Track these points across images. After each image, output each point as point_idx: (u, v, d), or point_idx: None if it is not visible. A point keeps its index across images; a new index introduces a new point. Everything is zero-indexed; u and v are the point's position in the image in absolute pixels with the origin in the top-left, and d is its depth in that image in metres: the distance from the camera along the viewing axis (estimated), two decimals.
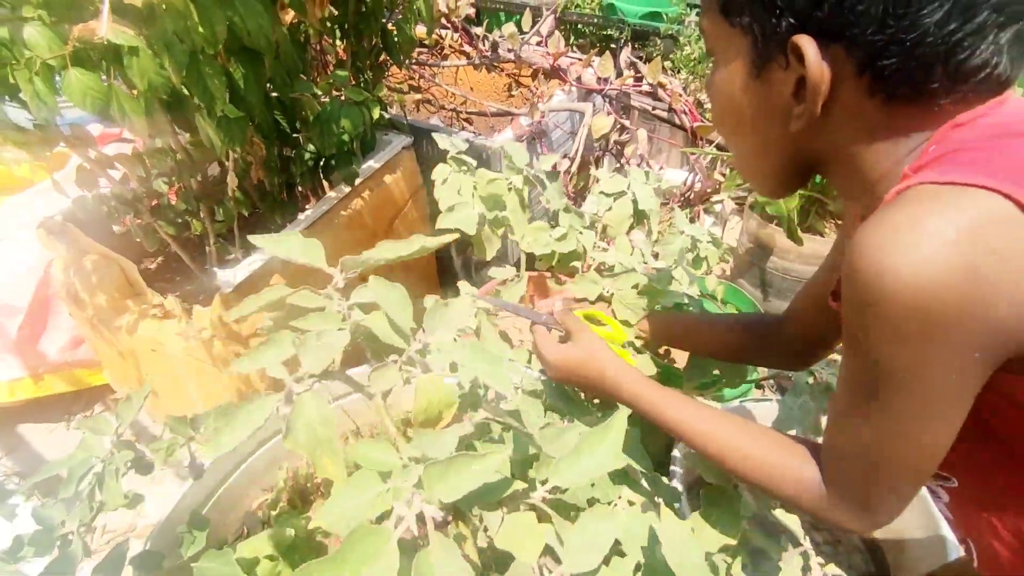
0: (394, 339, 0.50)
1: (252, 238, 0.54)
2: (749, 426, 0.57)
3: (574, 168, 1.72)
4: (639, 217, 1.07)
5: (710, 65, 0.51)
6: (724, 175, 1.88)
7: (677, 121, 1.92)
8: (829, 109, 0.42)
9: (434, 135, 1.01)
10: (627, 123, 1.92)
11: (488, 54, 1.92)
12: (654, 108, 1.94)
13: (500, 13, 3.17)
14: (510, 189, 0.95)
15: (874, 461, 0.45)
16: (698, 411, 0.59)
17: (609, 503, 0.66)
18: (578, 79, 1.86)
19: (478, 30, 1.98)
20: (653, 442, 0.76)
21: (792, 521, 0.63)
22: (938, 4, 0.36)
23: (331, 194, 1.30)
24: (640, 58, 2.14)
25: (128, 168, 1.08)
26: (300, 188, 1.35)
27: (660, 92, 1.92)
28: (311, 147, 1.24)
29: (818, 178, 1.49)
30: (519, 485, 0.49)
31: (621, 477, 0.70)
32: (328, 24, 1.23)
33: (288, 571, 0.66)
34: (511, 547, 0.44)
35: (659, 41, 2.68)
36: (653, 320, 0.87)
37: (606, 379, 0.64)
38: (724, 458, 0.56)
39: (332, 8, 1.17)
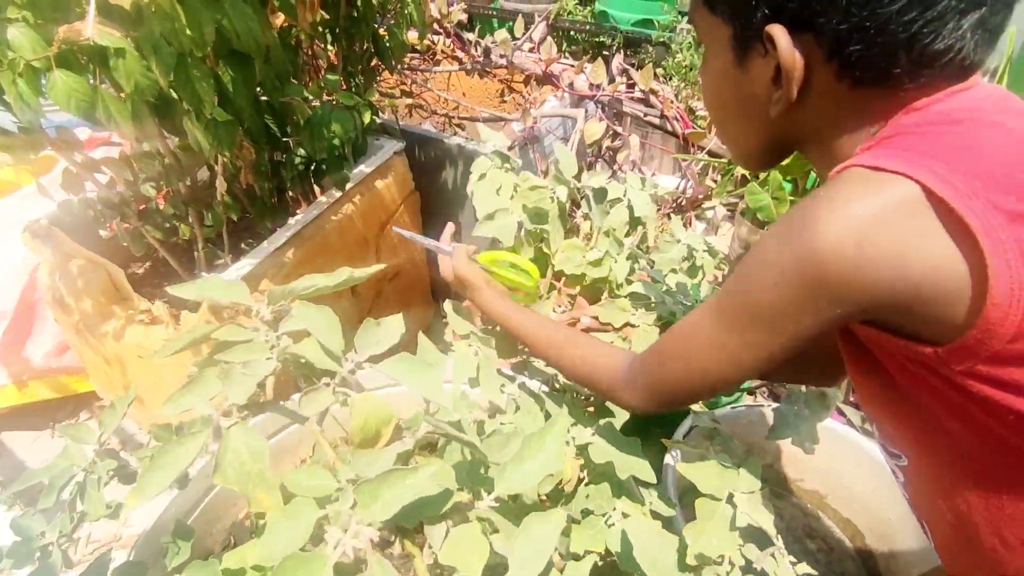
0: (326, 362, 0.50)
1: (171, 289, 0.54)
2: (578, 334, 0.69)
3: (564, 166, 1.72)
4: (635, 224, 1.06)
5: (702, 53, 0.53)
6: (715, 181, 1.89)
7: (669, 127, 1.93)
8: (804, 94, 0.45)
9: (479, 126, 1.00)
10: (619, 129, 1.92)
11: (480, 60, 1.92)
12: (646, 115, 1.95)
13: (493, 19, 3.18)
14: (553, 200, 0.94)
15: (686, 360, 0.52)
16: (540, 323, 0.71)
17: (603, 515, 0.66)
18: (570, 85, 1.87)
19: (470, 36, 1.98)
20: (646, 450, 0.76)
21: (765, 521, 0.63)
22: None
23: (322, 199, 1.29)
24: (632, 65, 2.16)
25: (115, 172, 1.07)
26: (290, 192, 1.34)
27: (652, 99, 1.93)
28: (302, 151, 1.23)
29: (810, 182, 1.50)
30: (461, 497, 0.49)
31: (619, 489, 0.69)
32: (319, 28, 1.22)
33: None
34: (454, 562, 0.44)
35: (651, 48, 2.70)
36: None
37: (470, 294, 0.80)
38: (559, 358, 0.68)
39: (323, 12, 1.17)
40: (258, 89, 1.01)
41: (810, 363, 0.73)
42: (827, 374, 0.74)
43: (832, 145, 0.47)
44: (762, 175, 1.42)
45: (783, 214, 0.44)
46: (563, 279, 1.15)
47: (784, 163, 0.80)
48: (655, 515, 0.69)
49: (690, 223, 1.95)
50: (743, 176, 1.66)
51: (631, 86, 1.95)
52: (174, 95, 0.81)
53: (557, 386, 0.90)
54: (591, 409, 0.86)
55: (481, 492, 0.50)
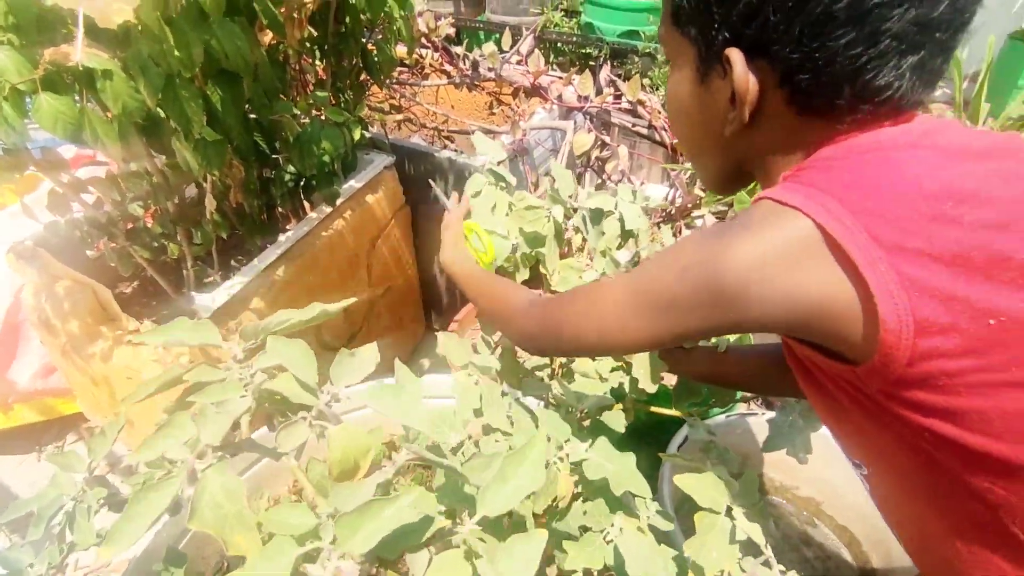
0: (302, 396, 0.49)
1: (136, 337, 0.53)
2: (510, 283, 0.74)
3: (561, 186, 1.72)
4: (626, 236, 1.07)
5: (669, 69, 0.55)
6: (704, 190, 1.90)
7: (657, 137, 1.94)
8: (757, 117, 0.48)
9: (473, 138, 1.00)
10: (607, 139, 1.94)
11: (469, 73, 1.93)
12: (634, 125, 1.96)
13: (480, 32, 3.21)
14: (548, 219, 0.94)
15: (585, 314, 0.55)
16: (482, 276, 0.77)
17: (601, 531, 0.66)
18: (559, 97, 1.88)
19: (458, 49, 1.99)
20: (641, 463, 0.76)
21: (754, 531, 0.63)
22: (846, 30, 0.41)
23: (312, 215, 1.29)
24: (619, 76, 2.17)
25: (102, 192, 1.06)
26: (280, 209, 1.33)
27: (639, 109, 1.95)
28: (291, 168, 1.22)
29: None
30: (443, 522, 0.48)
31: (616, 504, 0.69)
32: (307, 44, 1.22)
33: None
34: None
35: (637, 59, 2.73)
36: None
37: (444, 238, 0.85)
38: (478, 295, 0.75)
39: (311, 29, 1.17)
40: (247, 107, 1.01)
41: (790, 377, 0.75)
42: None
43: (771, 169, 0.51)
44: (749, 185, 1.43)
45: (715, 223, 0.48)
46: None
47: None
48: (653, 529, 0.69)
49: (680, 232, 1.97)
50: None
51: (618, 97, 1.96)
52: (162, 115, 0.81)
53: (552, 401, 0.90)
54: (587, 423, 0.86)
55: (464, 516, 0.49)
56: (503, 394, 0.81)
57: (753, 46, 0.45)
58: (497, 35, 2.01)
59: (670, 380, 0.94)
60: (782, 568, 0.64)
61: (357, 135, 1.18)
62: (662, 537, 0.66)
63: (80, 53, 0.60)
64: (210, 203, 1.03)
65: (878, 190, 0.41)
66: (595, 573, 0.65)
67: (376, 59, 1.32)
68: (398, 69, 2.01)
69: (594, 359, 0.92)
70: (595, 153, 1.97)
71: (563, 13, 3.36)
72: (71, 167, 1.02)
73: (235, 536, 0.42)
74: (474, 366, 0.83)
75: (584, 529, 0.63)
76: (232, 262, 1.36)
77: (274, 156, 1.19)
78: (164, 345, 0.52)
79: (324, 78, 1.31)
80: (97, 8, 0.56)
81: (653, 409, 1.00)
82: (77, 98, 0.75)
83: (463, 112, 2.02)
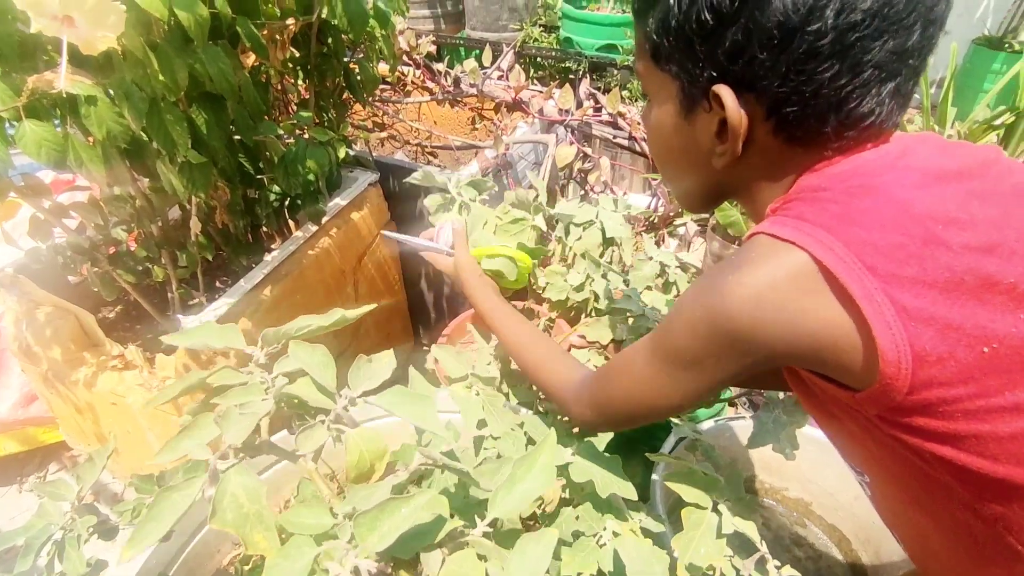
0: (321, 400, 0.51)
1: (165, 338, 0.55)
2: (546, 341, 0.74)
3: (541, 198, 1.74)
4: (608, 244, 1.09)
5: (647, 100, 0.56)
6: None
7: (638, 148, 1.98)
8: (744, 148, 0.49)
9: (420, 172, 1.02)
10: (590, 151, 1.97)
11: (451, 90, 1.95)
12: (615, 137, 2.00)
13: (460, 48, 3.24)
14: (532, 228, 0.96)
15: (626, 388, 0.57)
16: (519, 324, 0.77)
17: (594, 535, 0.66)
18: (540, 111, 1.91)
19: (440, 66, 2.02)
20: (633, 468, 0.77)
21: (750, 529, 0.64)
22: (831, 63, 0.42)
23: (298, 234, 1.29)
24: (599, 88, 2.21)
25: (85, 216, 1.05)
26: (265, 228, 1.33)
27: (620, 121, 1.98)
28: (276, 188, 1.23)
29: None
30: (455, 523, 0.50)
31: (605, 507, 0.70)
32: (290, 65, 1.23)
33: None
34: None
35: (616, 72, 2.78)
36: None
37: (464, 288, 0.85)
38: (522, 358, 0.74)
39: (293, 50, 1.18)
40: (231, 128, 1.01)
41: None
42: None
43: (758, 197, 0.52)
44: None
45: (705, 272, 0.49)
46: (543, 303, 1.16)
47: None
48: (645, 532, 0.70)
49: (663, 240, 1.99)
50: None
51: (599, 110, 2.00)
52: (146, 138, 0.81)
53: (540, 408, 0.91)
54: (576, 429, 0.87)
55: (475, 518, 0.51)
56: (505, 404, 0.82)
57: (740, 81, 0.45)
58: (478, 51, 2.04)
59: None
60: (777, 563, 0.66)
61: (342, 154, 1.19)
62: (655, 540, 0.67)
63: (64, 81, 0.60)
64: (195, 225, 1.03)
65: (868, 219, 0.42)
66: None
67: (358, 78, 1.34)
68: (381, 87, 2.03)
69: None
70: (577, 165, 2.00)
71: (542, 28, 3.41)
72: (51, 191, 1.01)
73: (255, 535, 0.43)
74: (476, 377, 0.83)
75: (577, 535, 0.64)
76: (217, 283, 1.35)
77: (259, 176, 1.19)
78: (192, 348, 0.53)
79: (307, 97, 1.32)
80: (81, 36, 0.57)
81: None
82: (59, 124, 0.76)
83: (446, 128, 2.04)
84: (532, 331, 0.76)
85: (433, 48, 2.03)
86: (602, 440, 0.77)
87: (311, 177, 1.13)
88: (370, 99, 1.74)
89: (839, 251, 0.41)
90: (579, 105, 1.97)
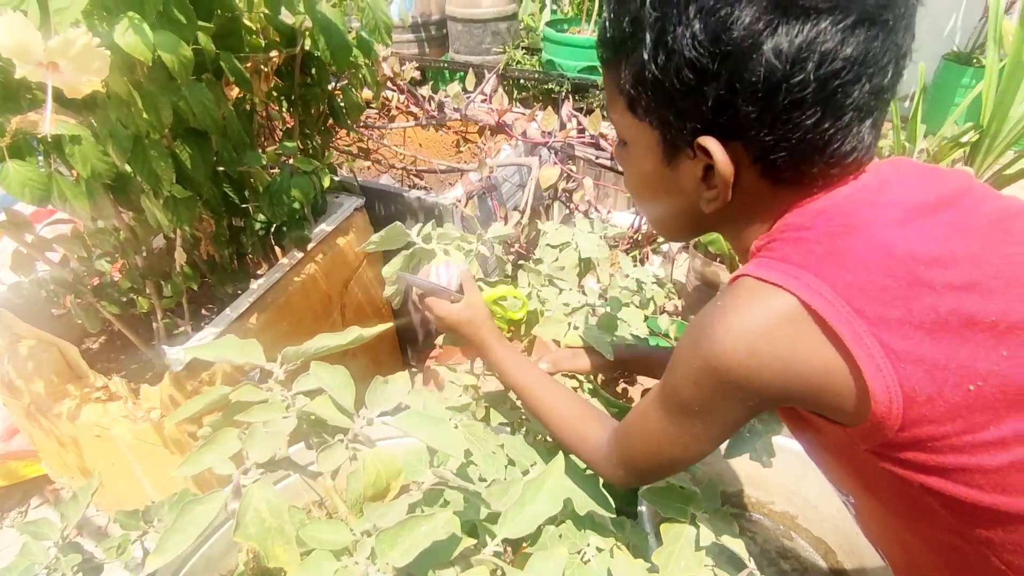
0: (340, 419, 0.52)
1: (187, 349, 0.57)
2: (569, 397, 0.72)
3: (525, 219, 1.77)
4: (586, 265, 1.11)
5: (624, 144, 0.56)
6: None
7: (620, 168, 2.01)
8: (731, 191, 0.49)
9: (385, 234, 0.96)
10: (573, 168, 2.00)
11: (435, 114, 1.98)
12: (597, 157, 2.03)
13: (445, 71, 3.29)
14: (474, 252, 0.97)
15: (645, 443, 0.57)
16: (538, 380, 0.74)
17: (578, 552, 0.67)
18: (523, 134, 1.94)
19: (424, 91, 2.05)
20: (624, 491, 0.78)
21: (738, 546, 0.66)
22: (814, 110, 0.43)
23: (284, 261, 1.30)
24: (581, 109, 2.26)
25: (68, 249, 1.05)
26: (251, 256, 1.34)
27: (602, 142, 2.02)
28: (261, 216, 1.23)
29: None
30: (468, 542, 0.51)
31: (587, 523, 0.71)
32: (274, 94, 1.25)
33: None
34: None
35: (598, 92, 2.83)
36: (605, 359, 0.92)
37: (475, 340, 0.78)
38: (547, 420, 0.71)
39: (278, 80, 1.20)
40: (215, 160, 1.02)
41: None
42: None
43: (742, 234, 0.53)
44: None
45: (695, 319, 0.50)
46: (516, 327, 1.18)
47: None
48: (635, 549, 0.71)
49: (647, 257, 2.02)
50: None
51: (581, 131, 2.04)
52: (131, 173, 0.82)
53: (524, 429, 0.91)
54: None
55: (485, 538, 0.53)
56: (486, 428, 0.83)
57: (725, 132, 0.46)
58: (461, 73, 2.07)
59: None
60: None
61: (327, 182, 1.20)
62: (641, 555, 0.68)
63: (49, 125, 0.61)
64: (180, 256, 1.04)
65: (853, 261, 0.43)
66: None
67: (342, 105, 1.36)
68: (365, 112, 2.05)
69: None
70: (562, 185, 2.03)
71: (525, 51, 3.47)
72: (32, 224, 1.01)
73: (276, 549, 0.45)
74: (451, 409, 0.84)
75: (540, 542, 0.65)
76: (203, 311, 1.35)
77: (244, 205, 1.20)
78: (214, 361, 0.55)
79: (291, 125, 1.34)
80: (66, 82, 0.58)
81: None
82: (43, 161, 0.76)
83: (431, 151, 2.06)
84: (555, 389, 0.73)
85: (417, 73, 2.06)
86: (560, 459, 0.78)
87: (296, 205, 1.14)
88: (355, 125, 1.76)
89: (826, 294, 0.42)
90: (562, 127, 2.01)
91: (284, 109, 1.33)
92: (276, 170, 1.14)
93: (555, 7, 3.99)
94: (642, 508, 0.95)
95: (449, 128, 2.11)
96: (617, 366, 0.92)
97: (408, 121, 2.05)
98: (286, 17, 1.10)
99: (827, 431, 0.49)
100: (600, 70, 0.54)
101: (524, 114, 2.02)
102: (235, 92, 1.10)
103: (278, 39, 1.12)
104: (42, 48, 0.55)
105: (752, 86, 0.42)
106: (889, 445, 0.44)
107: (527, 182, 1.81)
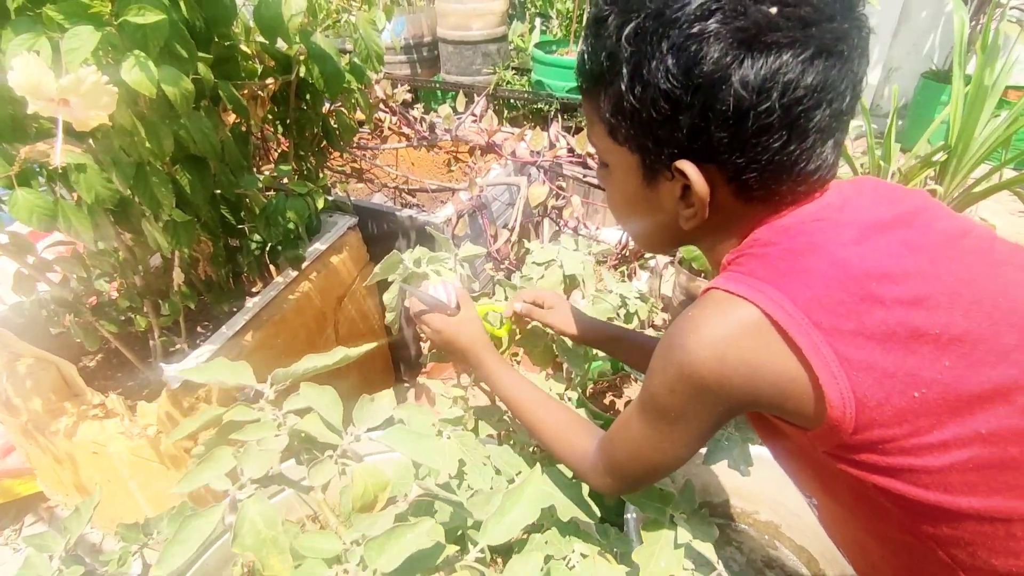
0: (329, 436, 0.56)
1: (180, 371, 0.60)
2: (559, 409, 0.74)
3: (514, 237, 1.81)
4: (572, 282, 1.14)
5: (604, 164, 0.61)
6: None
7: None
8: (708, 209, 0.53)
9: (384, 264, 0.94)
10: (563, 187, 2.05)
11: (427, 135, 2.03)
12: (585, 176, 2.08)
13: (436, 91, 3.36)
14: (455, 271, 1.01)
15: (629, 451, 0.60)
16: (529, 393, 0.76)
17: (564, 558, 0.70)
18: (513, 153, 1.99)
19: (416, 111, 2.10)
20: (612, 499, 0.81)
21: (707, 549, 0.69)
22: (780, 134, 0.47)
23: (278, 279, 1.33)
24: (569, 128, 2.31)
25: (68, 270, 1.08)
26: (247, 275, 1.37)
27: (589, 160, 2.07)
28: (257, 236, 1.27)
29: None
30: (451, 549, 0.55)
31: (572, 530, 0.74)
32: (270, 118, 1.30)
33: None
34: None
35: None
36: (581, 325, 0.92)
37: (470, 354, 0.80)
38: (538, 432, 0.74)
39: (273, 105, 1.24)
40: (213, 184, 1.06)
41: None
42: None
43: (716, 247, 0.57)
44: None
45: (669, 329, 0.53)
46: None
47: None
48: (619, 556, 0.74)
49: (635, 272, 2.07)
50: None
51: (570, 150, 2.09)
52: (132, 198, 0.85)
53: (512, 440, 0.94)
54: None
55: (467, 545, 0.56)
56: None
57: (700, 156, 0.50)
58: (452, 94, 2.13)
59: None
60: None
61: (321, 203, 1.24)
62: (626, 561, 0.72)
63: (59, 157, 0.65)
64: (178, 276, 1.07)
65: (813, 278, 0.47)
66: None
67: (336, 127, 1.40)
68: (358, 133, 2.10)
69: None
70: (551, 202, 2.08)
71: (514, 71, 3.55)
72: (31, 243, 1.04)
73: (271, 558, 0.48)
74: (444, 422, 0.87)
75: (548, 559, 0.68)
76: (199, 328, 1.37)
77: (240, 226, 1.23)
78: (206, 383, 0.58)
79: (286, 147, 1.38)
80: (75, 116, 0.62)
81: None
82: (46, 186, 0.80)
83: (422, 171, 2.11)
84: (545, 401, 0.76)
85: (409, 96, 2.12)
86: (538, 470, 0.81)
87: (291, 226, 1.18)
88: (348, 146, 1.80)
89: (788, 307, 0.46)
90: (551, 146, 2.06)
91: (279, 132, 1.37)
92: (272, 192, 1.18)
93: (544, 29, 4.09)
94: (628, 516, 0.98)
95: (440, 148, 2.16)
96: (589, 341, 0.94)
97: (400, 142, 2.10)
98: (282, 45, 1.15)
99: (791, 435, 0.53)
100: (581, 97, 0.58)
101: (514, 134, 2.07)
102: (232, 118, 1.14)
103: (274, 65, 1.17)
104: (55, 86, 0.59)
105: (723, 114, 0.46)
106: (844, 447, 0.48)
107: (516, 200, 1.86)
